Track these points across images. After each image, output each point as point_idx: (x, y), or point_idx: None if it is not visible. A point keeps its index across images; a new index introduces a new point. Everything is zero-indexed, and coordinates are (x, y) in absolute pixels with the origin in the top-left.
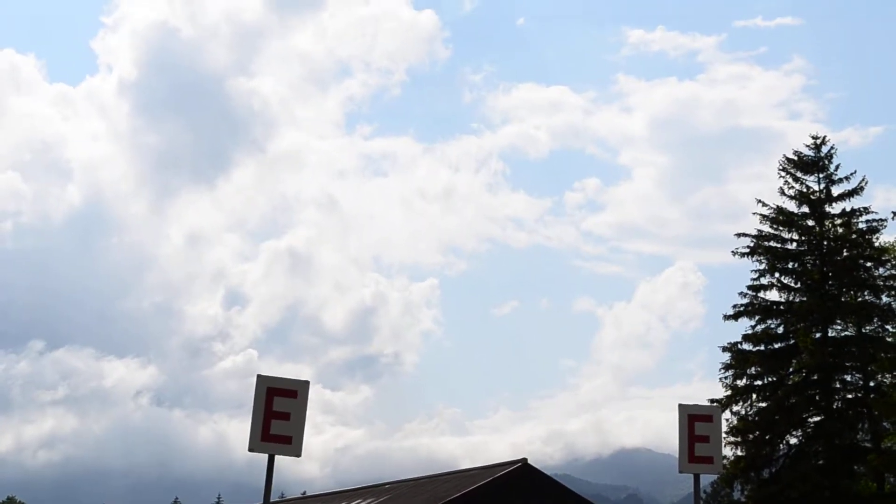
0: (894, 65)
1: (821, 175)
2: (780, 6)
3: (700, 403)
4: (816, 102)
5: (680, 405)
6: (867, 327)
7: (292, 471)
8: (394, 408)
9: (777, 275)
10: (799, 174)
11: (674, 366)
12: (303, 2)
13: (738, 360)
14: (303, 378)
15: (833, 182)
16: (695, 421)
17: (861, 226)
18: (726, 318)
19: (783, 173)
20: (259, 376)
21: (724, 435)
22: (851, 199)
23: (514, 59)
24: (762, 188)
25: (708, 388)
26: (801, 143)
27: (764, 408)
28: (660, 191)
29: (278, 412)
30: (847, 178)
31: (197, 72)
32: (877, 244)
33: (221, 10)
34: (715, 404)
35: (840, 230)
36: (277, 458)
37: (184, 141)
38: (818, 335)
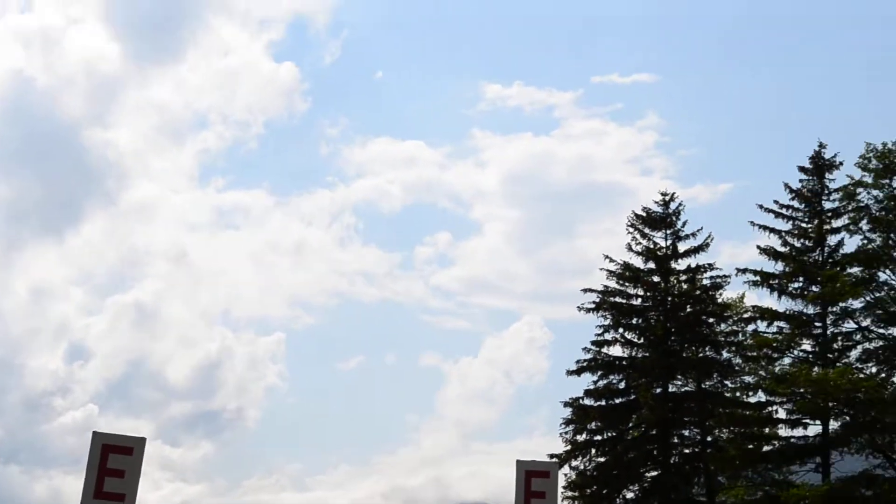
0: (744, 122)
1: (668, 231)
2: (636, 63)
3: (539, 459)
4: (668, 159)
5: (518, 461)
6: (707, 383)
7: None
8: (235, 464)
9: (621, 330)
10: (646, 230)
11: (517, 420)
12: (163, 53)
13: (578, 415)
14: (141, 434)
15: (680, 238)
16: (532, 477)
17: (705, 282)
18: (569, 373)
19: (631, 229)
20: (94, 433)
21: (562, 490)
22: (697, 255)
23: (371, 112)
24: (612, 244)
25: (549, 442)
26: (651, 199)
27: (603, 463)
28: (510, 245)
29: (112, 469)
30: (693, 234)
31: (52, 122)
32: (720, 300)
33: (79, 60)
34: (553, 460)
35: (685, 286)
36: None
37: (34, 192)
38: (659, 390)
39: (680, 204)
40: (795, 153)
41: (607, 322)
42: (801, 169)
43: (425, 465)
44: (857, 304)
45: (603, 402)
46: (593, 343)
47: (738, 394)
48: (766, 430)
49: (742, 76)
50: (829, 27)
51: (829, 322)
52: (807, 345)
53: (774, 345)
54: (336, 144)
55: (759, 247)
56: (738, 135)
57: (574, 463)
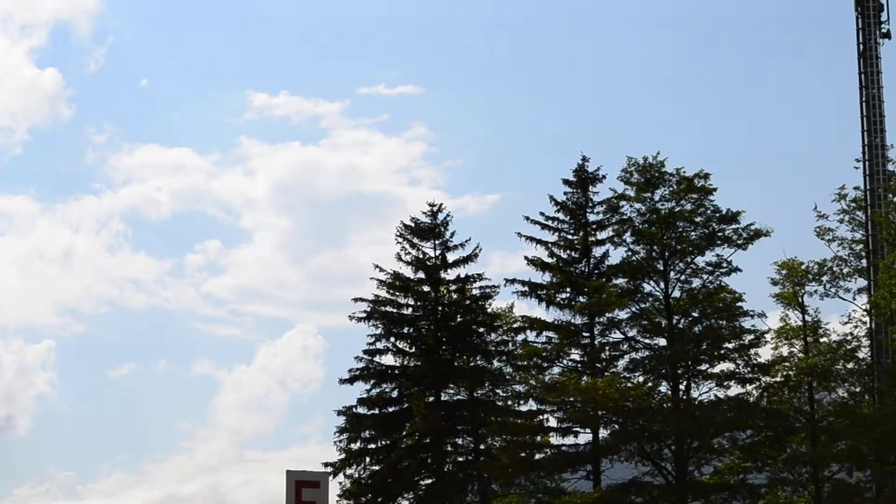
0: (511, 134)
1: (437, 241)
2: (402, 75)
3: (313, 468)
4: (436, 170)
5: (287, 471)
6: (479, 391)
7: None
8: (5, 472)
9: (393, 339)
10: (415, 240)
11: (292, 429)
12: None
13: (352, 423)
14: None
15: (449, 248)
16: (302, 487)
17: (475, 292)
18: (342, 381)
19: (400, 239)
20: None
21: (336, 499)
22: (466, 265)
23: (138, 119)
24: (382, 253)
25: (324, 451)
26: (420, 209)
27: (377, 471)
28: (281, 254)
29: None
30: (462, 244)
31: None
32: (489, 310)
33: None
34: (324, 470)
35: (454, 296)
36: None
37: None
38: (431, 399)
39: (448, 214)
40: (562, 165)
41: (379, 331)
42: (566, 182)
43: (199, 473)
44: (623, 314)
45: (376, 411)
46: (365, 352)
47: (509, 402)
48: (538, 438)
49: (508, 87)
50: (593, 38)
51: (596, 332)
52: (575, 354)
53: (544, 354)
54: (103, 151)
55: (526, 258)
56: (506, 146)
57: (348, 471)
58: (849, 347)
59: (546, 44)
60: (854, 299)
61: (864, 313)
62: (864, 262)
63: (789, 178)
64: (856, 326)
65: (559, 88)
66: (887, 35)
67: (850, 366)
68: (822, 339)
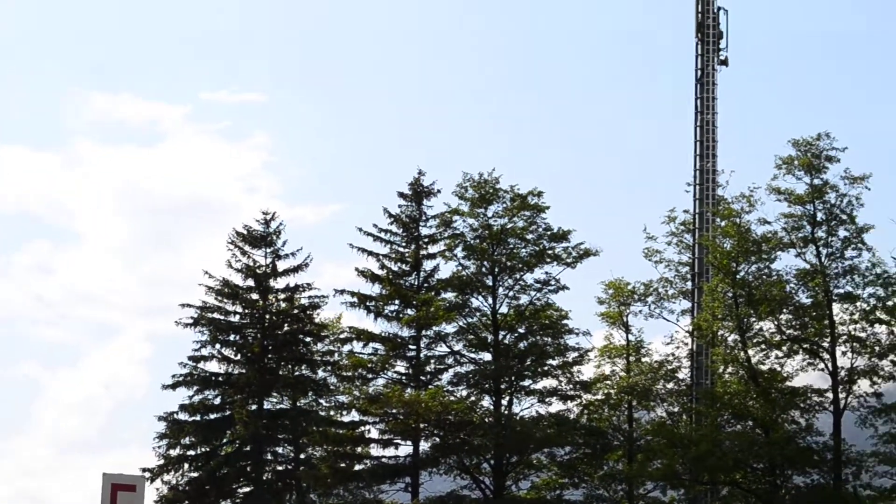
0: (349, 145)
1: (268, 250)
2: (246, 82)
3: (132, 473)
4: (276, 178)
5: (104, 474)
6: (302, 401)
7: None
8: None
9: (218, 346)
10: (247, 248)
11: (114, 434)
12: None
13: (172, 429)
14: None
15: (280, 257)
16: (118, 490)
17: (304, 301)
18: (165, 387)
19: (232, 246)
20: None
21: None
22: (296, 274)
23: None
24: (217, 259)
25: (145, 457)
26: (258, 217)
27: (195, 478)
28: (114, 258)
29: None
30: (293, 253)
31: None
32: (317, 320)
33: None
34: (141, 474)
35: (283, 305)
36: None
37: None
38: (254, 407)
39: (281, 223)
40: (400, 177)
41: (205, 337)
42: (401, 194)
43: (18, 478)
44: (450, 328)
45: (198, 418)
46: (190, 358)
47: (332, 413)
48: (359, 449)
49: (350, 99)
50: (436, 53)
51: (422, 345)
52: (401, 366)
53: (369, 365)
54: None
55: (357, 269)
56: (346, 157)
57: (166, 477)
58: (669, 368)
59: (388, 57)
60: (677, 321)
61: (687, 335)
62: (689, 284)
63: (623, 198)
64: (677, 347)
65: (400, 102)
66: (725, 62)
67: (669, 386)
68: (644, 359)
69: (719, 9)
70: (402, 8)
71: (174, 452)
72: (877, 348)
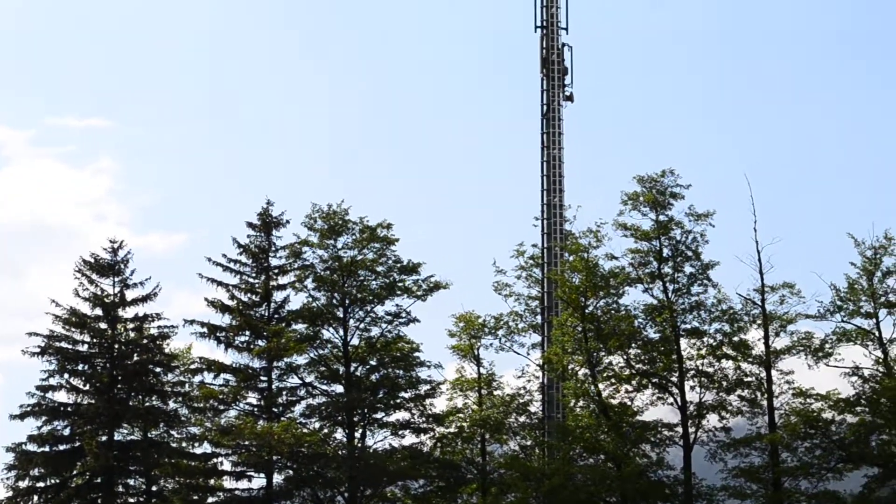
0: (198, 172)
1: (116, 279)
2: (90, 107)
3: None
4: (122, 205)
5: None
6: (153, 432)
7: None
8: None
9: (67, 376)
10: (94, 276)
11: None
12: None
13: (21, 461)
14: None
15: (128, 286)
16: None
17: (153, 331)
18: (13, 417)
19: (79, 275)
20: None
21: None
22: (145, 303)
23: None
24: (63, 287)
25: None
26: (102, 245)
27: None
28: None
29: None
30: (142, 283)
31: None
32: (167, 350)
33: None
34: None
35: (132, 334)
36: None
37: None
38: (104, 438)
39: (129, 252)
40: (248, 207)
41: (53, 367)
42: (250, 224)
43: None
44: (301, 360)
45: (47, 449)
46: (38, 388)
47: (184, 444)
48: (212, 481)
49: (199, 126)
50: (284, 80)
51: (274, 376)
52: (253, 398)
53: (221, 396)
54: None
55: (206, 299)
56: (195, 185)
57: None
58: (521, 401)
59: (235, 85)
60: (528, 354)
61: (538, 368)
62: (538, 318)
63: (473, 232)
64: (529, 381)
65: (249, 130)
66: (570, 98)
67: (522, 419)
68: (496, 392)
69: (564, 45)
70: (248, 35)
71: (23, 484)
72: (724, 383)
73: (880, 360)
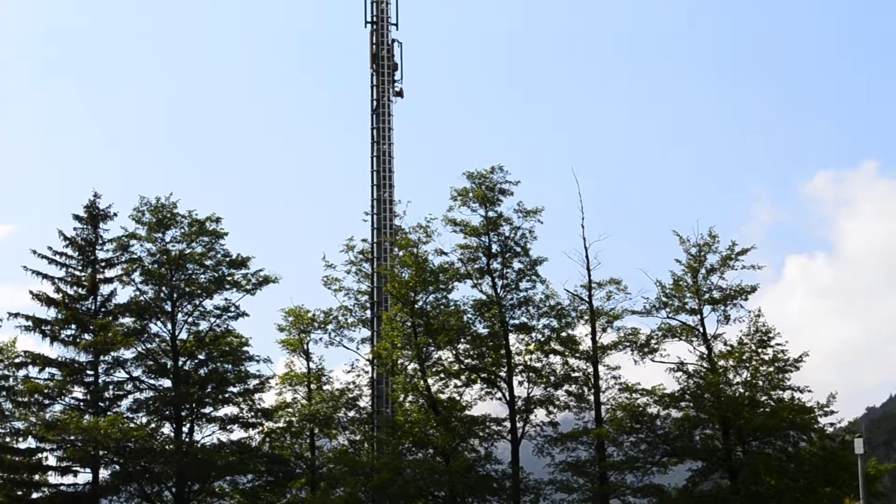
0: (23, 162)
1: None
2: None
3: None
4: None
5: None
6: None
7: None
8: None
9: None
10: None
11: None
12: None
13: None
14: None
15: None
16: None
17: None
18: None
19: None
20: None
21: None
22: None
23: None
24: None
25: None
26: None
27: None
28: None
29: None
30: None
31: None
32: None
33: None
34: None
35: None
36: None
37: None
38: None
39: None
40: (73, 199)
41: None
42: (76, 217)
43: None
44: (129, 353)
45: None
46: None
47: (7, 439)
48: (37, 476)
49: (19, 116)
50: (106, 71)
51: (101, 370)
52: (79, 392)
53: (46, 391)
54: None
55: (31, 292)
56: (20, 176)
57: None
58: (351, 396)
59: (61, 76)
60: (358, 349)
61: (367, 363)
62: (368, 312)
63: (303, 226)
64: (358, 375)
65: (73, 120)
66: (400, 94)
67: (351, 414)
68: (325, 387)
69: (393, 41)
70: (76, 20)
71: None
72: (552, 378)
73: (704, 356)
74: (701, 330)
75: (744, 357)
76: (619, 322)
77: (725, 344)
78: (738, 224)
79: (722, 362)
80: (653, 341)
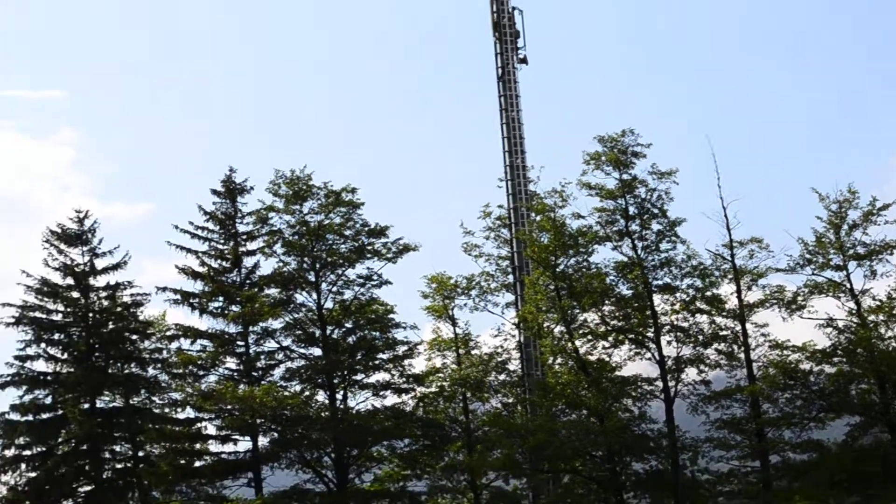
0: (160, 141)
1: (85, 248)
2: (46, 78)
3: None
4: (86, 176)
5: None
6: (135, 398)
7: None
8: None
9: (43, 345)
10: (63, 246)
11: None
12: None
13: (6, 430)
14: None
15: (97, 255)
16: None
17: (126, 299)
18: None
19: (47, 245)
20: None
21: None
22: (116, 272)
23: None
24: (32, 258)
25: None
26: (71, 215)
27: (34, 478)
28: None
29: None
30: (111, 251)
31: None
32: (142, 317)
33: None
34: None
35: (105, 303)
36: None
37: None
38: (87, 406)
39: (95, 221)
40: (208, 175)
41: (29, 337)
42: (214, 192)
43: None
44: (277, 324)
45: (30, 417)
46: (16, 358)
47: (167, 410)
48: (198, 445)
49: (157, 94)
50: (239, 48)
51: (251, 341)
52: (231, 363)
53: (199, 362)
54: None
55: (177, 266)
56: (157, 154)
57: (4, 478)
58: (500, 360)
59: (193, 53)
60: (503, 313)
61: (513, 327)
62: (510, 277)
63: (440, 194)
64: (505, 339)
65: (208, 98)
66: (524, 60)
67: (501, 377)
68: (473, 352)
69: (514, 9)
70: (205, 5)
71: (10, 453)
72: (700, 337)
73: (853, 312)
74: (848, 286)
75: (894, 311)
76: (763, 280)
77: (874, 299)
78: (879, 183)
79: (872, 317)
80: (799, 298)
